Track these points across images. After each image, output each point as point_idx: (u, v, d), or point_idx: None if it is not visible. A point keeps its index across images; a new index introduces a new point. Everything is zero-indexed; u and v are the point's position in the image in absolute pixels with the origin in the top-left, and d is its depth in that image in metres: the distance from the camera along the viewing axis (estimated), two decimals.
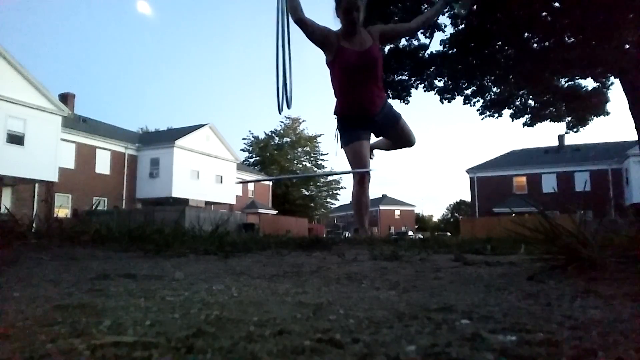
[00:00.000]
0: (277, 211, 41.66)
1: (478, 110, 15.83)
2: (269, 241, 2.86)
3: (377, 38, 3.65)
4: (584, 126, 16.32)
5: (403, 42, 14.65)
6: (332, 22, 3.64)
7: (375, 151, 4.26)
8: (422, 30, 14.39)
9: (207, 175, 33.09)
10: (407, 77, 14.84)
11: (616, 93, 37.09)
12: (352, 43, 3.55)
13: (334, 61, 3.61)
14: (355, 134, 3.72)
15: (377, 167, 4.39)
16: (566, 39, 12.71)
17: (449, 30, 13.84)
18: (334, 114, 3.84)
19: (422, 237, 5.49)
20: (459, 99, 15.51)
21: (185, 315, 0.78)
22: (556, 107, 15.75)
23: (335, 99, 3.79)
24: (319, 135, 54.08)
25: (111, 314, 0.79)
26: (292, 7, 3.50)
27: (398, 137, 3.96)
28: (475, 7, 11.64)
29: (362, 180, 3.80)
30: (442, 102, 15.36)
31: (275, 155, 51.14)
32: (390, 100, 4.12)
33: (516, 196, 34.95)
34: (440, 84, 15.01)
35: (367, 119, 3.70)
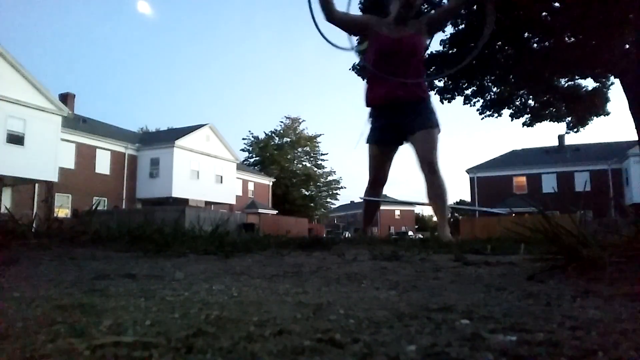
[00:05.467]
0: (277, 211, 41.67)
1: (478, 110, 15.85)
2: (269, 241, 2.86)
3: (423, 28, 3.54)
4: (584, 126, 16.35)
5: None
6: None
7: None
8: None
9: (207, 175, 33.09)
10: None
11: (616, 93, 37.05)
12: (393, 29, 3.45)
13: (370, 46, 3.54)
14: (378, 135, 3.59)
15: (382, 199, 4.25)
16: (566, 39, 12.72)
17: (449, 30, 13.86)
18: (366, 106, 3.69)
19: (422, 237, 5.49)
20: (459, 99, 15.52)
21: (185, 315, 0.78)
22: (556, 107, 15.77)
23: (366, 90, 3.66)
24: (319, 135, 54.26)
25: (111, 314, 0.79)
26: (325, 8, 3.35)
27: (417, 142, 3.47)
28: (475, 7, 11.65)
29: (374, 183, 3.78)
30: (442, 102, 15.38)
31: (275, 155, 51.13)
32: None
33: (516, 196, 34.91)
34: (440, 84, 15.03)
35: (399, 111, 3.47)
